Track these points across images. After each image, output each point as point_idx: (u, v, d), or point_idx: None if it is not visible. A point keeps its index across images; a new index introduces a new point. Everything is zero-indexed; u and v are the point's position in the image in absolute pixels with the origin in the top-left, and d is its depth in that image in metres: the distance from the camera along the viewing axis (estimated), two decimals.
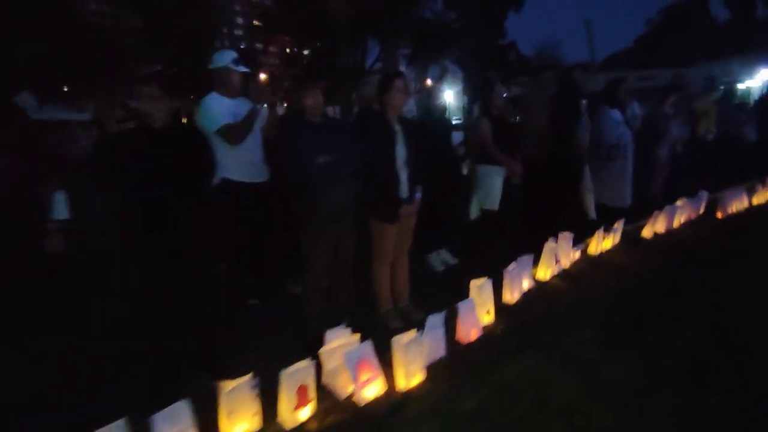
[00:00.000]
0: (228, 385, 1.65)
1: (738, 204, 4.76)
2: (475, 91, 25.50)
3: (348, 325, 2.59)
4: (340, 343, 1.98)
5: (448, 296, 2.51)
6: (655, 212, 3.93)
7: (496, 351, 2.26)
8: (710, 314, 2.67)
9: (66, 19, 22.01)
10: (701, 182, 5.11)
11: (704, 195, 4.59)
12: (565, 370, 2.04)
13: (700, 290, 3.03)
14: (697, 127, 5.63)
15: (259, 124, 2.70)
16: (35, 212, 2.34)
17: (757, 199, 5.03)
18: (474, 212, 3.53)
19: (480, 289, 2.45)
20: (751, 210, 4.87)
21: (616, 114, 4.07)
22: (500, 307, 2.71)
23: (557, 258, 3.12)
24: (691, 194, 4.55)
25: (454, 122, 20.05)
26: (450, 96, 25.59)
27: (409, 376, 1.97)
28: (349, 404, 1.90)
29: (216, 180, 2.62)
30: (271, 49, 35.81)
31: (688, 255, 3.71)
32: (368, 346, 1.96)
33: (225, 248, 2.75)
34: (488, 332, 2.46)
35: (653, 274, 3.32)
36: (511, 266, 2.74)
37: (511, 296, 2.77)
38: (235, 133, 2.53)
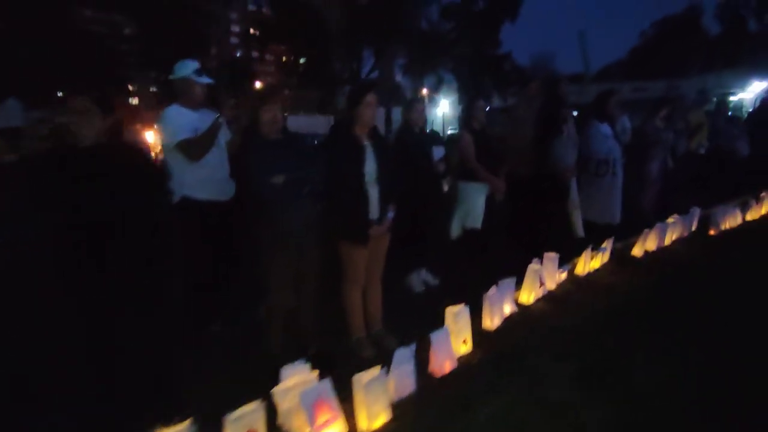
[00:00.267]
0: None
1: (731, 220, 4.64)
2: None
3: (315, 353, 2.46)
4: (296, 381, 1.80)
5: (426, 320, 2.35)
6: (646, 230, 3.78)
7: (470, 387, 2.08)
8: (703, 340, 2.52)
9: (62, 24, 22.01)
10: (693, 198, 5.00)
11: (696, 211, 4.47)
12: (540, 412, 1.87)
13: (692, 313, 2.90)
14: (691, 141, 5.54)
15: (224, 138, 2.55)
16: None
17: (751, 216, 4.91)
18: (455, 231, 3.38)
19: (456, 316, 2.29)
20: (745, 226, 4.75)
21: (605, 128, 3.95)
22: (480, 333, 2.55)
23: (542, 280, 2.96)
24: (682, 210, 4.42)
25: (449, 132, 20.10)
26: (446, 106, 25.66)
27: (372, 418, 1.80)
28: None
29: (176, 198, 2.46)
30: (267, 57, 35.97)
31: (680, 274, 3.57)
32: (327, 385, 1.78)
33: (185, 271, 2.57)
34: (464, 363, 2.29)
35: (643, 296, 3.17)
36: (492, 291, 2.58)
37: (491, 322, 2.60)
38: (195, 147, 2.37)
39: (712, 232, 4.46)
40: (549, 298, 3.01)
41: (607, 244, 3.51)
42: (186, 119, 2.43)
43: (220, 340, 2.77)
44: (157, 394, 1.91)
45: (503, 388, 2.08)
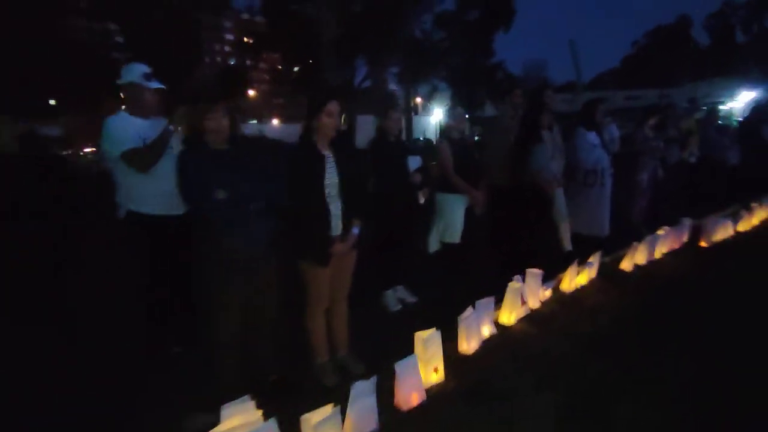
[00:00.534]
0: None
1: (723, 232, 4.48)
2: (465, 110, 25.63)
3: (274, 381, 2.25)
4: (238, 421, 1.59)
5: (401, 342, 2.15)
6: (635, 243, 3.61)
7: (439, 422, 1.88)
8: (697, 365, 2.34)
9: (54, 33, 21.85)
10: (684, 208, 4.86)
11: (687, 222, 4.31)
12: None
13: (683, 334, 2.73)
14: (683, 150, 5.42)
15: (177, 148, 2.35)
16: None
17: (742, 226, 4.76)
18: (434, 245, 3.19)
19: (426, 343, 2.08)
20: (737, 238, 4.59)
21: (593, 137, 3.81)
22: (455, 359, 2.36)
23: (524, 298, 2.77)
24: (673, 221, 4.26)
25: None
26: (439, 114, 25.67)
27: None
28: None
29: (122, 213, 2.26)
30: (261, 65, 35.98)
31: (670, 290, 3.40)
32: (272, 426, 1.57)
33: (136, 290, 2.37)
34: (435, 394, 2.08)
35: (632, 315, 2.99)
36: (467, 312, 2.39)
37: (467, 346, 2.40)
38: (142, 157, 2.18)
39: (703, 244, 4.30)
40: (532, 318, 2.81)
41: (595, 259, 3.33)
42: (133, 127, 2.23)
43: (176, 363, 2.55)
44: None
45: (476, 424, 1.88)
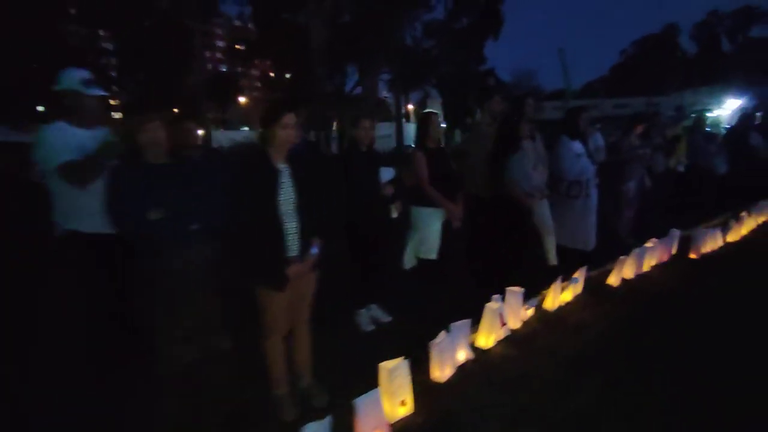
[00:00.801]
0: None
1: (712, 243, 4.36)
2: (454, 117, 25.67)
3: (228, 415, 2.05)
4: None
5: (373, 366, 1.96)
6: (622, 257, 3.46)
7: None
8: (687, 388, 2.19)
9: (43, 39, 21.58)
10: (673, 218, 4.75)
11: (676, 234, 4.18)
12: None
13: (673, 350, 2.59)
14: (669, 158, 5.33)
15: None
16: None
17: (732, 237, 4.65)
18: (409, 261, 3.02)
19: (391, 374, 1.90)
20: (726, 249, 4.48)
21: (577, 146, 3.67)
22: (427, 387, 2.17)
23: (503, 319, 2.59)
24: (661, 232, 4.13)
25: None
26: None
27: None
28: None
29: (60, 232, 2.05)
30: (253, 72, 35.87)
31: (659, 304, 3.25)
32: None
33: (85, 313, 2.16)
34: (401, 429, 1.89)
35: (619, 334, 2.83)
36: (440, 337, 2.20)
37: (440, 373, 2.22)
38: (81, 171, 1.98)
39: (692, 256, 4.17)
40: (512, 339, 2.64)
41: (580, 274, 3.17)
42: (71, 138, 2.03)
43: (124, 389, 2.33)
44: None
45: None
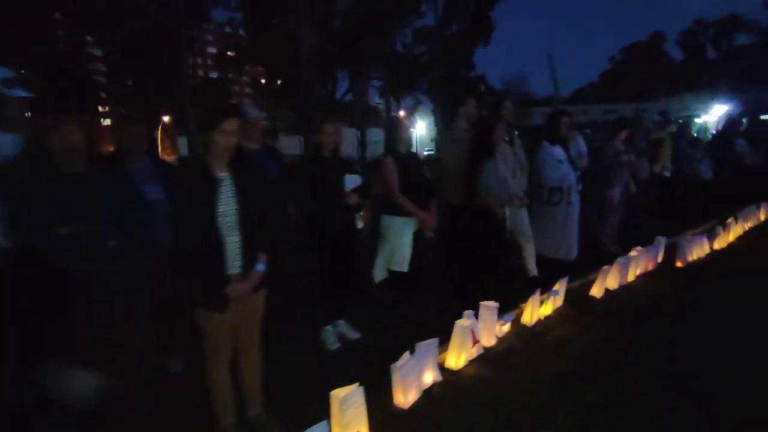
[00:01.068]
0: None
1: (698, 250, 4.24)
2: (444, 123, 25.67)
3: None
4: None
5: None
6: (605, 267, 3.30)
7: None
8: (675, 409, 2.04)
9: (31, 44, 21.28)
10: (658, 225, 4.63)
11: (662, 241, 4.05)
12: None
13: (660, 366, 2.44)
14: (655, 164, 5.22)
15: None
16: None
17: (718, 244, 4.53)
18: (379, 274, 2.83)
19: (343, 404, 1.70)
20: (713, 256, 4.36)
21: (558, 151, 3.53)
22: (389, 414, 1.98)
23: (476, 336, 2.41)
24: (646, 240, 4.00)
25: (425, 153, 19.83)
26: (422, 127, 25.60)
27: None
28: None
29: None
30: (244, 78, 35.67)
31: (644, 316, 3.11)
32: None
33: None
34: None
35: (602, 348, 2.67)
36: (404, 359, 2.01)
37: (404, 399, 2.03)
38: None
39: (678, 264, 4.04)
40: (486, 358, 2.45)
41: (560, 286, 3.01)
42: None
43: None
44: None
45: None
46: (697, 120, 18.72)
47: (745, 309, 3.13)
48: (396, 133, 2.74)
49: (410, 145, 2.82)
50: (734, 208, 5.24)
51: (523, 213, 3.26)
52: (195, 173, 1.71)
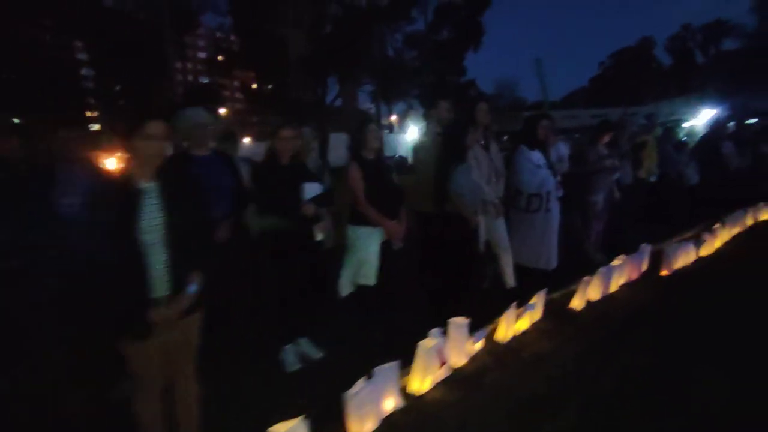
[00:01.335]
0: None
1: (684, 258, 4.10)
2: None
3: None
4: None
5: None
6: (586, 278, 3.14)
7: None
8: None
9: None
10: (643, 231, 4.50)
11: (647, 249, 3.91)
12: None
13: (645, 383, 2.28)
14: (641, 169, 5.11)
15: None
16: None
17: (705, 251, 4.41)
18: (345, 288, 2.65)
19: None
20: (699, 264, 4.23)
21: (536, 156, 3.38)
22: None
23: (443, 357, 2.23)
24: (631, 248, 3.85)
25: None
26: (414, 132, 25.50)
27: None
28: None
29: None
30: (235, 83, 35.41)
31: (628, 329, 2.96)
32: None
33: None
34: None
35: (582, 364, 2.51)
36: (358, 386, 1.83)
37: (360, 428, 1.84)
38: None
39: (664, 273, 3.90)
40: (454, 380, 2.28)
41: (538, 299, 2.84)
42: None
43: None
44: None
45: None
46: (685, 124, 18.81)
47: (733, 320, 2.99)
48: (361, 136, 2.58)
49: (379, 150, 2.64)
50: (721, 212, 5.14)
51: (500, 221, 3.10)
52: (114, 184, 1.53)
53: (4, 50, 20.13)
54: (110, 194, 1.50)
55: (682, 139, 7.92)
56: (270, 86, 27.71)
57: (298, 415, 1.59)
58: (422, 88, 25.28)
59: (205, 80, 37.69)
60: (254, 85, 31.56)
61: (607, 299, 3.36)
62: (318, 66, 22.42)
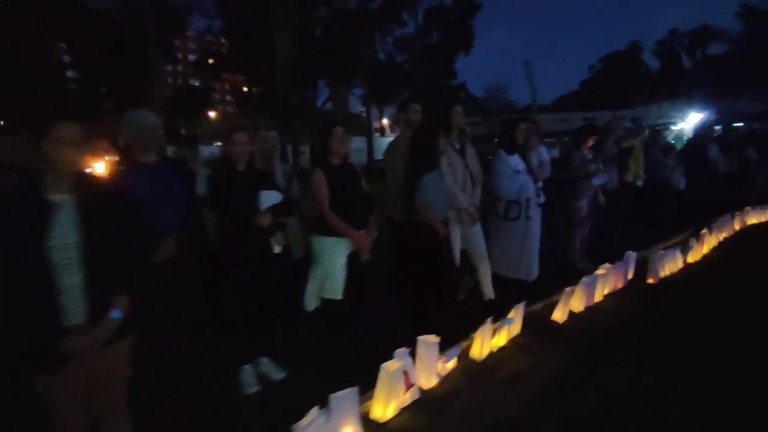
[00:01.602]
0: None
1: (671, 265, 3.99)
2: None
3: None
4: None
5: None
6: (567, 289, 3.00)
7: None
8: None
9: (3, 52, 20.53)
10: (629, 237, 4.39)
11: (632, 256, 3.78)
12: None
13: (631, 400, 2.15)
14: (627, 173, 5.00)
15: None
16: None
17: (692, 257, 4.30)
18: (311, 302, 2.48)
19: None
20: (686, 271, 4.12)
21: (515, 161, 3.24)
22: None
23: (410, 380, 2.06)
24: (618, 254, 3.73)
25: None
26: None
27: None
28: None
29: None
30: (226, 87, 35.13)
31: (613, 342, 2.83)
32: None
33: None
34: None
35: (564, 382, 2.36)
36: (310, 416, 1.65)
37: None
38: None
39: (650, 281, 3.78)
40: (423, 404, 2.10)
41: (516, 313, 2.69)
42: None
43: None
44: None
45: None
46: (673, 127, 18.95)
47: (720, 329, 2.89)
48: (325, 141, 2.41)
49: (346, 156, 2.48)
50: (708, 217, 5.05)
51: (477, 229, 2.95)
52: (22, 197, 1.34)
53: None
54: (16, 210, 1.32)
55: (671, 142, 7.89)
56: (260, 89, 27.52)
57: None
58: (413, 91, 25.23)
59: (195, 83, 37.39)
60: (245, 89, 31.34)
61: (591, 310, 3.22)
62: (308, 69, 22.28)
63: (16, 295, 1.29)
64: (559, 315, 3.00)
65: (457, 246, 2.76)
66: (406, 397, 2.04)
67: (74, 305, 1.35)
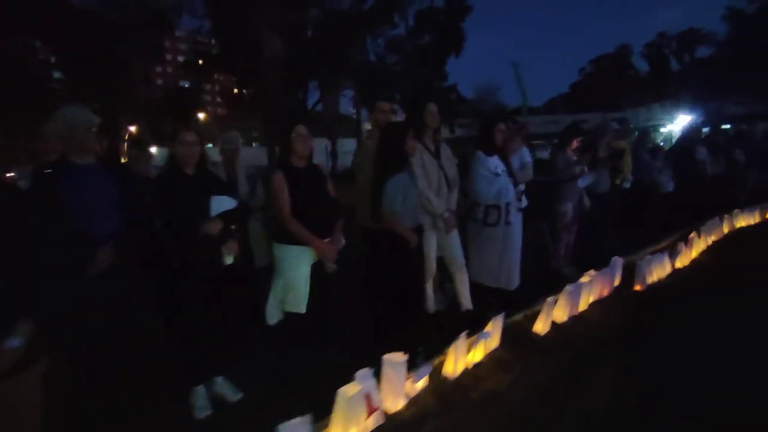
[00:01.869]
0: None
1: (659, 270, 3.85)
2: (418, 134, 25.43)
3: None
4: None
5: None
6: (549, 299, 2.84)
7: None
8: None
9: None
10: (616, 241, 4.26)
11: (619, 262, 3.64)
12: None
13: (618, 417, 2.00)
14: (616, 176, 4.87)
15: None
16: None
17: (681, 262, 4.17)
18: (273, 316, 2.29)
19: None
20: (674, 276, 3.99)
21: (493, 163, 3.07)
22: None
23: (373, 404, 1.88)
24: (605, 259, 3.58)
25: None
26: None
27: None
28: None
29: None
30: (217, 88, 34.80)
31: (598, 353, 2.67)
32: None
33: None
34: None
35: (543, 400, 2.19)
36: None
37: None
38: None
39: (637, 288, 3.63)
40: (388, 429, 1.92)
41: (493, 326, 2.51)
42: None
43: None
44: None
45: None
46: (662, 129, 19.06)
47: (710, 337, 2.75)
48: (287, 141, 2.23)
49: (309, 158, 2.29)
50: (696, 219, 4.95)
51: (454, 236, 2.78)
52: None
53: None
54: None
55: (660, 144, 7.82)
56: (250, 90, 27.24)
57: None
58: (404, 92, 25.12)
59: (185, 84, 36.97)
60: (235, 90, 31.03)
61: (575, 320, 3.05)
62: (299, 70, 22.08)
63: None
64: (540, 326, 2.83)
65: (432, 253, 2.58)
66: (369, 424, 1.86)
67: None
